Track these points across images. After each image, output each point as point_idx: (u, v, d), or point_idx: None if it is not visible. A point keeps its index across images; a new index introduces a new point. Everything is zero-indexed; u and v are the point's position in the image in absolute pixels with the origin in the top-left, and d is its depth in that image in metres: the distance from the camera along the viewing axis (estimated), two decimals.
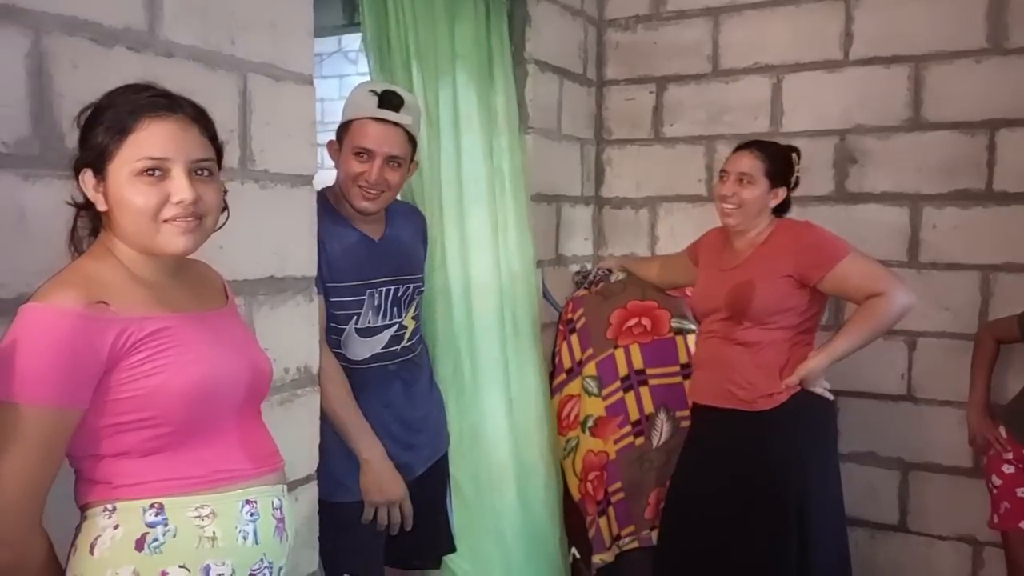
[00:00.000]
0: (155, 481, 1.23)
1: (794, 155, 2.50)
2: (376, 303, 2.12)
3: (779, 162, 2.47)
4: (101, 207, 1.25)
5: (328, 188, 2.15)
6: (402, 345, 2.20)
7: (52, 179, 1.36)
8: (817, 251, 2.37)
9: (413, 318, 2.24)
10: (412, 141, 2.13)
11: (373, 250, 2.14)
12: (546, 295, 3.04)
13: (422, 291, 2.28)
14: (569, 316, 3.04)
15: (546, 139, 3.08)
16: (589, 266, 3.30)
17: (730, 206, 2.45)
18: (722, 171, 2.50)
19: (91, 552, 1.20)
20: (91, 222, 1.32)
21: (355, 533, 2.09)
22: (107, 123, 1.22)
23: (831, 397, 2.45)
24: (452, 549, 2.45)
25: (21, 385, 1.13)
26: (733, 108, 3.21)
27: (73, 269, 1.25)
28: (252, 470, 1.32)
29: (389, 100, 2.07)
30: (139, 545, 1.19)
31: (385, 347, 2.16)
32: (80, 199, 1.29)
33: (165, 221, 1.23)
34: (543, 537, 2.75)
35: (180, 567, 1.20)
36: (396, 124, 2.07)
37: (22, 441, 1.13)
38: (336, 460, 2.03)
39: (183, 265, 1.36)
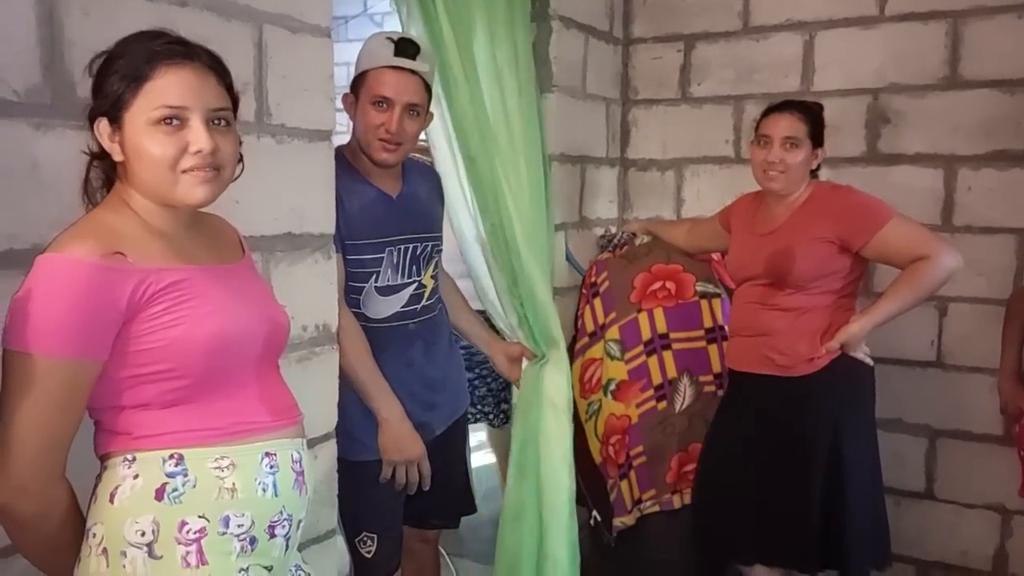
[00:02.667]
0: (175, 432, 1.22)
1: (821, 111, 2.46)
2: (395, 261, 2.10)
3: (818, 122, 2.43)
4: (117, 157, 1.23)
5: (344, 145, 2.12)
6: (422, 304, 2.18)
7: (64, 129, 1.35)
8: (859, 216, 2.32)
9: (432, 277, 2.22)
10: (428, 90, 2.10)
11: (391, 207, 2.12)
12: (569, 258, 3.01)
13: (440, 250, 2.25)
14: (592, 279, 3.01)
15: (570, 98, 3.02)
16: (613, 229, 3.26)
17: (776, 172, 2.39)
18: (762, 136, 2.43)
19: (111, 501, 1.20)
20: (105, 173, 1.30)
21: (374, 491, 2.09)
22: (122, 71, 1.19)
23: (871, 362, 2.41)
24: (472, 509, 2.46)
25: (39, 336, 1.11)
26: (763, 67, 3.13)
27: (89, 220, 1.23)
28: (272, 422, 1.31)
29: (405, 48, 2.03)
30: (159, 495, 1.19)
31: (405, 305, 2.14)
32: (95, 148, 1.27)
33: (183, 172, 1.21)
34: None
35: (199, 517, 1.20)
36: (413, 72, 2.04)
37: (42, 393, 1.12)
38: (355, 418, 2.03)
39: (199, 218, 1.34)
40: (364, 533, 2.12)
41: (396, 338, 2.13)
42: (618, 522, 2.84)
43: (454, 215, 2.46)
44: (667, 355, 2.86)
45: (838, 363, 2.36)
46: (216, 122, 1.23)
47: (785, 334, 2.38)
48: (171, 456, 1.21)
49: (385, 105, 2.02)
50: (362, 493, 2.06)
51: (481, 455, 3.98)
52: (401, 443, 2.06)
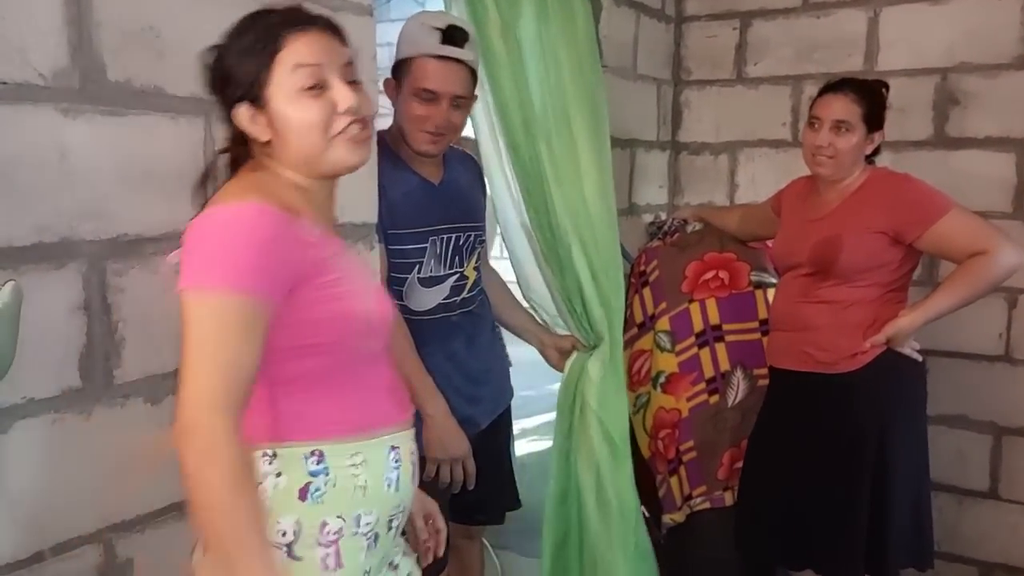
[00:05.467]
0: (315, 424, 1.21)
1: (884, 90, 2.33)
2: (438, 251, 2.04)
3: (875, 103, 2.29)
4: (264, 137, 1.21)
5: (385, 130, 2.04)
6: (462, 296, 2.12)
7: (94, 114, 1.30)
8: (916, 207, 2.20)
9: (475, 268, 2.16)
10: (474, 76, 2.01)
11: (434, 195, 2.06)
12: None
13: (483, 240, 2.20)
14: (642, 268, 2.92)
15: (620, 79, 2.94)
16: (664, 216, 3.18)
17: (824, 157, 2.27)
18: (813, 117, 2.32)
19: None
20: (234, 161, 1.27)
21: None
22: (250, 51, 1.18)
23: (919, 358, 2.30)
24: (517, 504, 2.41)
25: (224, 273, 1.09)
26: (823, 45, 3.02)
27: (247, 180, 1.21)
28: (396, 415, 1.31)
29: (452, 36, 1.94)
30: (302, 495, 1.19)
31: (447, 297, 2.09)
32: (230, 137, 1.25)
33: (335, 136, 1.20)
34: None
35: (338, 517, 1.20)
36: (460, 61, 1.95)
37: (223, 329, 1.08)
38: None
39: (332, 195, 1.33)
40: None
41: (438, 331, 2.07)
42: (667, 518, 2.77)
43: (498, 202, 2.38)
44: (720, 347, 2.77)
45: (884, 359, 2.25)
46: (350, 81, 1.22)
47: (827, 329, 2.28)
48: (312, 453, 1.20)
49: (430, 98, 1.95)
50: None
51: (522, 444, 3.93)
52: (446, 440, 2.01)
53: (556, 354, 2.47)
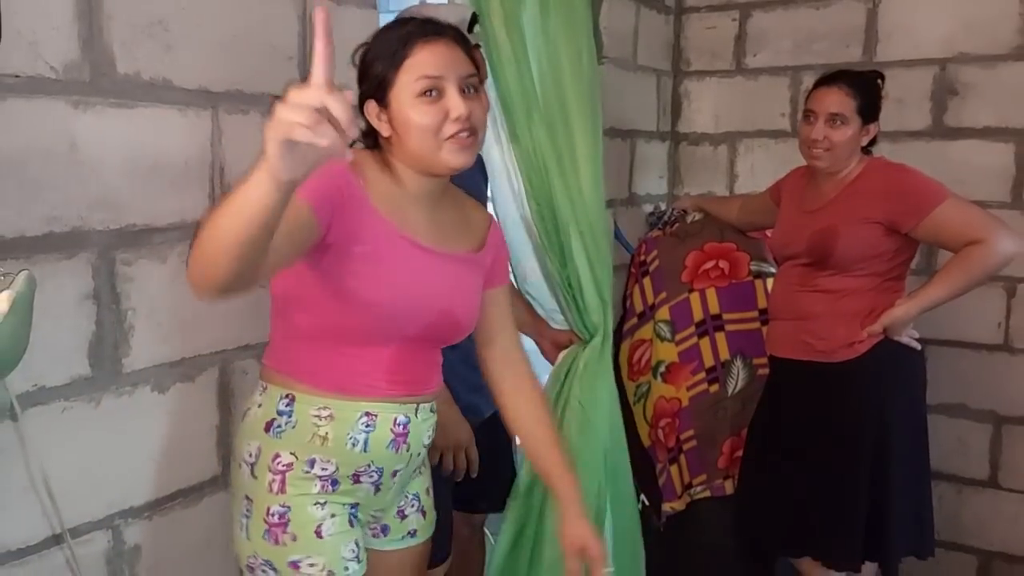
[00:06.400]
0: (297, 370, 1.38)
1: (880, 81, 2.33)
2: None
3: (870, 95, 2.30)
4: (385, 133, 1.35)
5: None
6: None
7: (104, 107, 1.32)
8: (911, 197, 2.21)
9: None
10: None
11: None
12: (618, 235, 2.93)
13: None
14: (642, 258, 2.93)
15: (620, 70, 2.94)
16: (664, 206, 3.18)
17: (820, 150, 2.29)
18: (808, 111, 2.33)
19: (243, 418, 1.44)
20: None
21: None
22: (383, 55, 1.33)
23: (918, 347, 2.31)
24: None
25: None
26: (822, 36, 3.02)
27: (359, 153, 1.38)
28: (386, 388, 1.40)
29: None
30: (267, 427, 1.38)
31: None
32: (363, 128, 1.38)
33: (446, 139, 1.32)
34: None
35: (291, 453, 1.37)
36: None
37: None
38: None
39: (456, 200, 1.49)
40: None
41: None
42: (667, 507, 2.78)
43: (497, 195, 2.39)
44: (720, 337, 2.78)
45: (882, 348, 2.26)
46: (467, 89, 1.35)
47: (824, 318, 2.29)
48: (286, 395, 1.38)
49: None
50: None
51: None
52: (448, 428, 2.01)
53: (552, 347, 2.47)
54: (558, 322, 2.48)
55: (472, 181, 2.21)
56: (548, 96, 2.26)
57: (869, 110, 2.29)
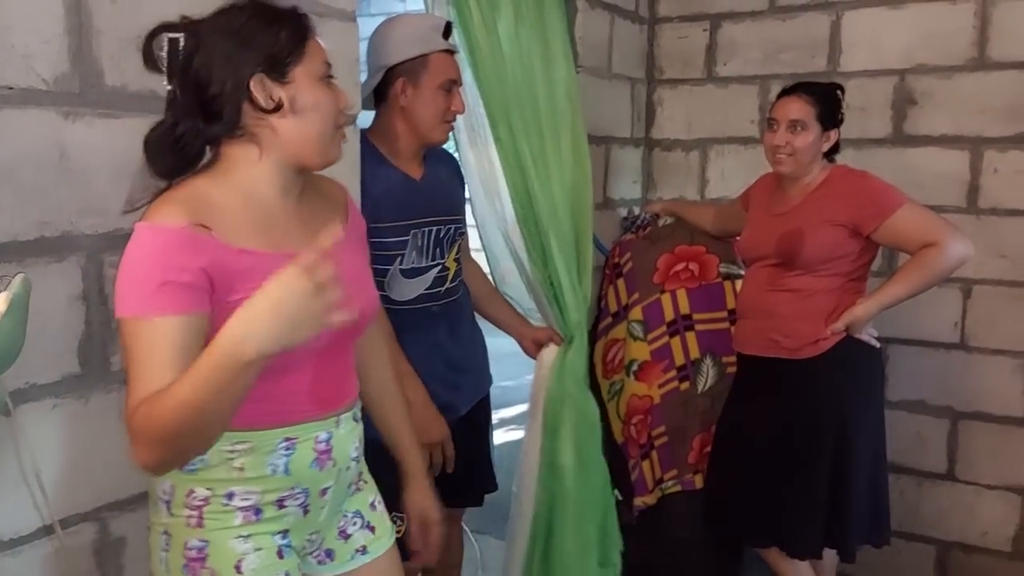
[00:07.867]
0: None
1: (839, 92, 2.43)
2: (419, 244, 2.11)
3: (829, 103, 2.39)
4: (286, 110, 1.24)
5: (367, 129, 2.12)
6: (445, 287, 2.20)
7: (92, 117, 1.37)
8: (872, 201, 2.31)
9: (455, 260, 2.23)
10: None
11: (415, 190, 2.13)
12: (593, 239, 2.99)
13: (463, 233, 2.26)
14: (616, 260, 3.01)
15: (595, 78, 3.01)
16: (637, 210, 3.25)
17: (783, 155, 2.38)
18: (770, 119, 2.43)
19: None
20: (205, 144, 1.28)
21: (399, 473, 2.10)
22: (281, 25, 1.24)
23: (877, 345, 2.41)
24: (494, 487, 2.48)
25: (129, 301, 1.16)
26: (789, 46, 3.10)
27: (184, 187, 1.23)
28: (313, 411, 1.35)
29: (448, 30, 2.12)
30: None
31: (429, 288, 2.16)
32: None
33: (338, 127, 1.29)
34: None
35: (206, 488, 1.30)
36: (454, 52, 2.13)
37: (143, 353, 1.15)
38: None
39: (311, 182, 1.37)
40: (394, 513, 2.14)
41: (420, 320, 2.14)
42: (639, 501, 2.85)
43: (475, 199, 2.46)
44: (690, 336, 2.86)
45: (844, 345, 2.35)
46: (328, 77, 1.30)
47: (791, 317, 2.37)
48: None
49: (451, 87, 2.10)
50: (388, 474, 2.07)
51: (500, 433, 4.01)
52: (425, 425, 2.07)
53: (532, 345, 2.56)
54: (537, 320, 2.56)
55: (451, 186, 2.28)
56: (524, 101, 2.34)
57: (828, 117, 2.38)
